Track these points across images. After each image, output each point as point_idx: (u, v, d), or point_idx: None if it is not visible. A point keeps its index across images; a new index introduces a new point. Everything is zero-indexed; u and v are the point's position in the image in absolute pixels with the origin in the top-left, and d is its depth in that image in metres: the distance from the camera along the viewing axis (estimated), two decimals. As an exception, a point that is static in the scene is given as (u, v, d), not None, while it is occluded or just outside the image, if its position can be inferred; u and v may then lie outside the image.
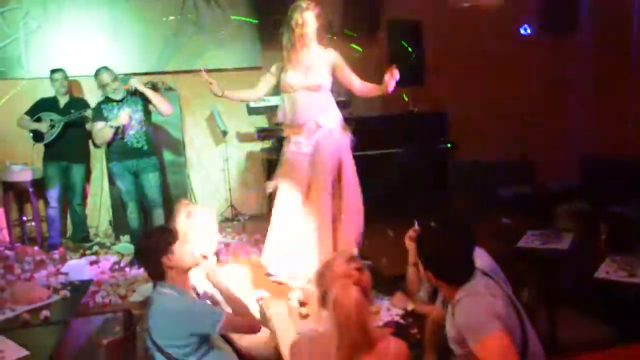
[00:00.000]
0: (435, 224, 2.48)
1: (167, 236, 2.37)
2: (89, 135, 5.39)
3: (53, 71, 5.36)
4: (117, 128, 4.64)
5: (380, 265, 3.92)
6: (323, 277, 1.82)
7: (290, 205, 3.78)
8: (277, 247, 3.79)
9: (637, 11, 5.69)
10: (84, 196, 5.77)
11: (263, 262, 3.90)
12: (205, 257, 2.49)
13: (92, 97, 5.49)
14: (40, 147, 5.33)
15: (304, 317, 3.13)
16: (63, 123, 5.23)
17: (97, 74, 4.74)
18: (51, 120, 5.23)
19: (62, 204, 5.54)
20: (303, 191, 3.76)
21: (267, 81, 3.90)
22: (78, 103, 5.44)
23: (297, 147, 3.77)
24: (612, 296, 2.77)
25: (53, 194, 5.36)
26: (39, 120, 5.24)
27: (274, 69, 3.84)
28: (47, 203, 5.43)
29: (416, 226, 2.67)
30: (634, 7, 5.64)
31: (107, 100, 4.74)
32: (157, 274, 2.34)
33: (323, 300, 1.80)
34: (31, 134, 5.24)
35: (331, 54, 3.74)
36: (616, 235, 3.19)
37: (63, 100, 5.38)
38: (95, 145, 5.50)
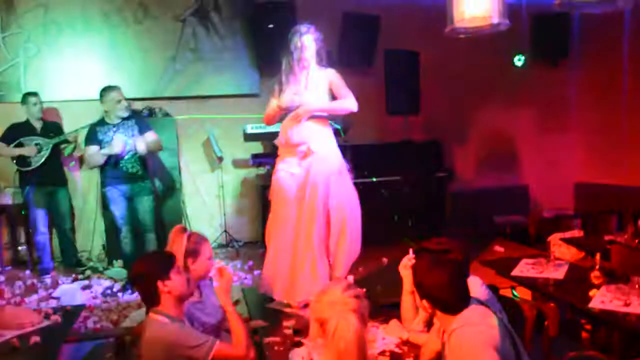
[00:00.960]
0: (430, 252, 2.49)
1: (165, 261, 2.34)
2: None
3: (29, 94, 5.26)
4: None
5: (375, 293, 3.90)
6: (320, 305, 1.81)
7: (282, 228, 3.76)
8: (275, 271, 3.76)
9: (627, 38, 5.80)
10: (72, 219, 5.71)
11: (263, 285, 3.85)
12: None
13: (70, 123, 5.54)
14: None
15: (299, 345, 3.09)
16: (51, 146, 5.17)
17: (107, 91, 4.67)
18: (37, 144, 5.13)
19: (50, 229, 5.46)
20: (292, 214, 3.74)
21: (275, 99, 3.88)
22: (54, 127, 5.39)
23: (286, 165, 3.77)
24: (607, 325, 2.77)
25: (41, 220, 5.27)
26: (20, 145, 5.12)
27: (275, 92, 3.83)
28: (34, 229, 5.28)
29: (411, 254, 2.67)
30: (625, 34, 5.75)
31: (102, 122, 4.71)
32: (152, 299, 2.31)
33: (320, 329, 1.78)
34: (14, 160, 5.11)
35: (328, 73, 3.73)
36: (611, 264, 3.20)
37: (38, 125, 5.26)
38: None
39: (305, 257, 3.66)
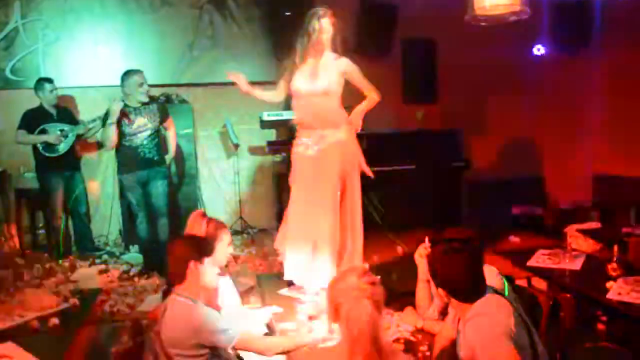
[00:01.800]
0: (446, 241, 2.48)
1: (205, 247, 2.41)
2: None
3: (45, 80, 5.24)
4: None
5: (390, 280, 3.91)
6: (335, 291, 1.81)
7: (299, 210, 3.77)
8: (293, 253, 3.77)
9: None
10: (87, 204, 5.75)
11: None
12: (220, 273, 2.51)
13: (87, 109, 5.57)
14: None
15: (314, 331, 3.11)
16: (76, 132, 5.21)
17: (130, 74, 4.68)
18: (61, 130, 5.16)
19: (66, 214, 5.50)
20: (308, 197, 3.74)
21: (285, 81, 3.88)
22: (68, 113, 5.41)
23: (302, 148, 3.77)
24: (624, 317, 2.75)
25: (60, 204, 5.31)
26: (43, 132, 5.13)
27: (287, 70, 3.83)
28: (53, 214, 5.33)
29: (427, 243, 2.66)
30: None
31: (124, 105, 4.65)
32: (177, 275, 2.34)
33: (335, 314, 1.79)
34: (40, 146, 5.12)
35: (342, 62, 3.68)
36: (628, 256, 3.17)
37: (53, 111, 5.26)
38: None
39: (321, 243, 3.67)
